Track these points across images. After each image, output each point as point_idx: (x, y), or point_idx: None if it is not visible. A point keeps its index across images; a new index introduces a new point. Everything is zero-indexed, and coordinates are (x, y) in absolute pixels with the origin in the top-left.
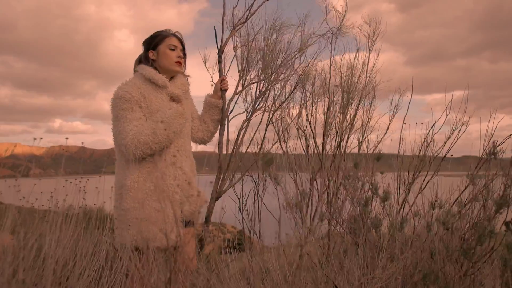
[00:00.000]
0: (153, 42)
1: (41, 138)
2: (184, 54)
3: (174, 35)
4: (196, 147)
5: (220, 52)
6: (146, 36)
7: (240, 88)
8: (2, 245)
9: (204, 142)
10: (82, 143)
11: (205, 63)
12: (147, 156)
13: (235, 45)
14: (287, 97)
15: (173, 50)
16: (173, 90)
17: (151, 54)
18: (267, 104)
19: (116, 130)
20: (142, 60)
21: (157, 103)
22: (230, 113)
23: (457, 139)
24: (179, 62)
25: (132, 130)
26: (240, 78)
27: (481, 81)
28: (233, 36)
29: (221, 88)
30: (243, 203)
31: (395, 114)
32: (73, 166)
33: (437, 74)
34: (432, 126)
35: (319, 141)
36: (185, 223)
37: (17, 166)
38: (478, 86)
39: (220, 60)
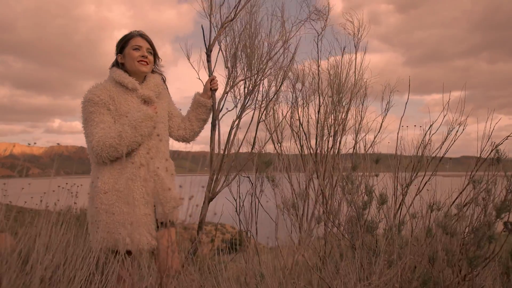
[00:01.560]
0: (120, 46)
1: (35, 143)
2: (153, 52)
3: (139, 35)
4: (191, 147)
5: (209, 51)
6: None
7: (229, 86)
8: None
9: (186, 140)
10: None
11: (188, 58)
12: (114, 159)
13: (219, 39)
14: (275, 93)
15: (137, 50)
16: (144, 92)
17: (119, 58)
18: (256, 102)
19: (85, 133)
20: (115, 65)
21: (127, 105)
22: (220, 111)
23: (454, 140)
24: (143, 61)
25: (98, 133)
26: (229, 76)
27: (480, 82)
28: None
29: (211, 88)
30: (239, 204)
31: (387, 112)
32: (72, 166)
33: (435, 75)
34: (430, 127)
35: (313, 141)
36: (162, 224)
37: (16, 166)
38: (476, 86)
39: (209, 60)
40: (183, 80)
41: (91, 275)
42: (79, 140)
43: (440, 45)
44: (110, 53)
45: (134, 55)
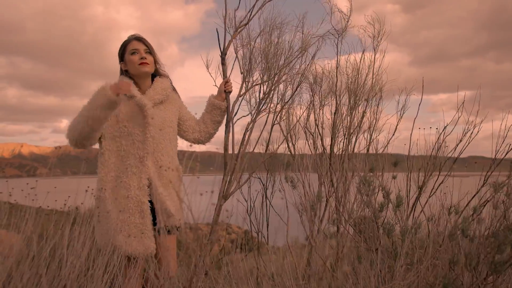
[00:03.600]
0: (120, 54)
1: (60, 147)
2: (151, 52)
3: (135, 38)
4: (200, 147)
5: (223, 55)
6: (153, 37)
7: (243, 90)
8: (10, 244)
9: (201, 142)
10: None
11: (207, 68)
12: (82, 139)
13: (236, 47)
14: (290, 97)
15: (135, 53)
16: (141, 101)
17: (122, 66)
18: (271, 106)
19: None
20: (122, 73)
21: (125, 111)
22: (234, 115)
23: (469, 142)
24: (143, 63)
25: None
26: (244, 80)
27: (486, 82)
28: (235, 38)
29: (225, 90)
30: (250, 205)
31: (402, 114)
32: (78, 166)
33: (442, 75)
34: (444, 129)
35: (326, 142)
36: (156, 230)
37: (24, 166)
38: (483, 86)
39: (223, 63)
40: (189, 80)
41: (115, 277)
42: None
43: (446, 44)
44: (116, 54)
45: (134, 60)
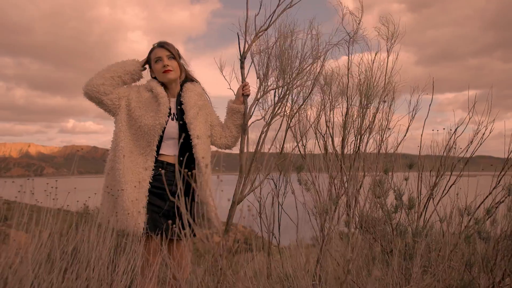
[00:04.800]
0: (148, 62)
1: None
2: (174, 57)
3: (158, 46)
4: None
5: (243, 59)
6: (159, 37)
7: (260, 94)
8: (19, 243)
9: (229, 147)
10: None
11: (221, 71)
12: (95, 93)
13: (252, 51)
14: (304, 101)
15: (158, 61)
16: (156, 88)
17: (151, 73)
18: (285, 110)
19: None
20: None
21: (145, 98)
22: (250, 117)
23: (481, 143)
24: (166, 71)
25: None
26: (261, 84)
27: (493, 81)
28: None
29: (243, 93)
30: (261, 206)
31: (414, 115)
32: (85, 166)
33: (448, 74)
34: (455, 129)
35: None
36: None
37: (31, 165)
38: (490, 85)
39: (242, 66)
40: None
41: (133, 277)
42: (92, 140)
43: (453, 44)
44: (123, 54)
45: (158, 68)
